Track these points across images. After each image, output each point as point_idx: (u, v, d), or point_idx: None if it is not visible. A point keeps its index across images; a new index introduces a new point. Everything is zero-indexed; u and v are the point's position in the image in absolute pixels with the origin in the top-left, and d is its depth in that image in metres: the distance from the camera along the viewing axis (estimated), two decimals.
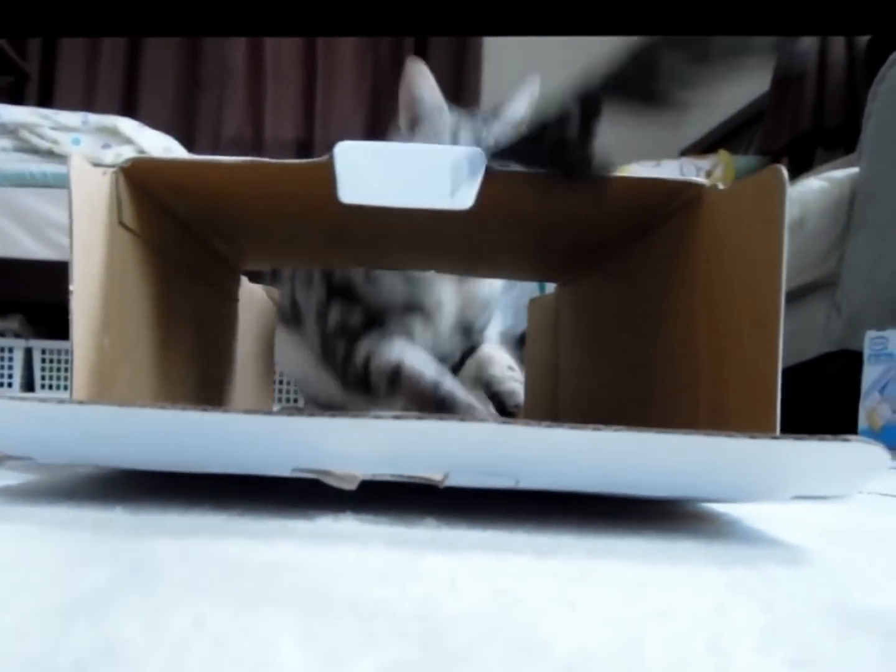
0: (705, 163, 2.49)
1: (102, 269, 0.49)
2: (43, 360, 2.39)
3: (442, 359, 0.99)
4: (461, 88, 3.31)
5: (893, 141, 1.34)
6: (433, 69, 0.94)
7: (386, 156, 0.51)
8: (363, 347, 0.95)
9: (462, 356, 1.05)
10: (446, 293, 0.96)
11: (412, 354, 0.92)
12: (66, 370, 2.43)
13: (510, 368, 1.04)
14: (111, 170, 0.51)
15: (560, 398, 0.89)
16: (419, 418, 0.36)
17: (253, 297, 0.93)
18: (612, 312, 0.76)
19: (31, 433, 0.38)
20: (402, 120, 0.93)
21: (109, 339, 0.50)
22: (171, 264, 0.63)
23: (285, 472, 0.39)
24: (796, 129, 2.24)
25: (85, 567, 0.30)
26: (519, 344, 1.13)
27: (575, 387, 0.85)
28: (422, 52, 3.32)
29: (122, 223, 0.52)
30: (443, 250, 0.80)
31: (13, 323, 2.50)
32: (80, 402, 0.38)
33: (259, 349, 0.96)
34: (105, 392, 0.49)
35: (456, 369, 1.05)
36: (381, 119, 3.32)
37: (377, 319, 0.96)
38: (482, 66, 3.38)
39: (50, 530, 0.36)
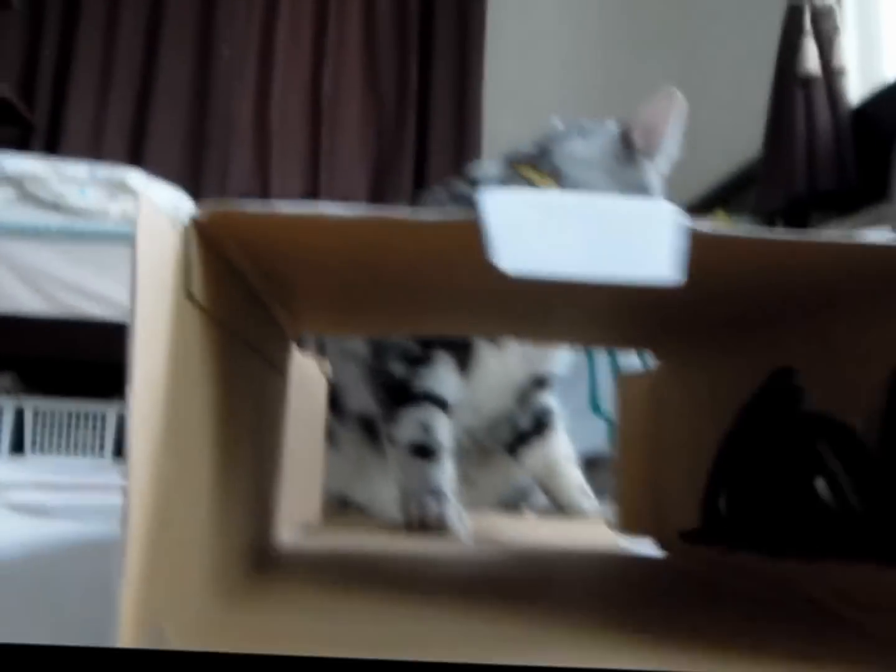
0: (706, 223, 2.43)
1: (166, 362, 0.34)
2: (35, 422, 2.22)
3: (496, 415, 0.85)
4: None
5: None
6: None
7: (555, 211, 0.36)
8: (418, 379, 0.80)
9: (530, 428, 0.90)
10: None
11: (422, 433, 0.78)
12: (59, 431, 2.26)
13: (582, 491, 0.90)
14: (180, 223, 0.36)
15: (664, 500, 0.73)
16: None
17: (302, 370, 0.77)
18: (730, 401, 0.61)
19: None
20: (640, 140, 0.86)
21: (168, 459, 0.34)
22: (234, 342, 0.47)
23: None
24: (789, 192, 2.21)
25: None
26: (588, 468, 0.98)
27: (683, 491, 0.69)
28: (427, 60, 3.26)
29: (190, 294, 0.37)
30: (519, 313, 0.65)
31: (5, 380, 2.33)
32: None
33: (309, 434, 0.80)
34: (161, 540, 0.33)
35: (518, 441, 0.90)
36: (386, 172, 3.24)
37: (429, 351, 0.81)
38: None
39: None
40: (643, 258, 0.35)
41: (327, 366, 0.84)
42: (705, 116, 3.11)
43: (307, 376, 0.78)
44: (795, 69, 2.24)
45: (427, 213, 0.37)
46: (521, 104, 3.32)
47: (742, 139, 2.57)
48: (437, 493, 0.77)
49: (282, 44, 3.27)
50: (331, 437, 0.88)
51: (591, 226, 0.36)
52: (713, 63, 3.12)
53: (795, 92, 2.23)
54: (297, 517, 0.76)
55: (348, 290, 0.59)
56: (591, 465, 1.08)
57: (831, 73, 2.20)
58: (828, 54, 2.21)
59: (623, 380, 0.82)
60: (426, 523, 0.75)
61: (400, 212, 0.37)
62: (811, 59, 2.23)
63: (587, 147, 0.88)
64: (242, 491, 0.54)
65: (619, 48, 3.35)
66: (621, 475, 0.81)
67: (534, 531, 0.88)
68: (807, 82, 2.22)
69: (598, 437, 1.34)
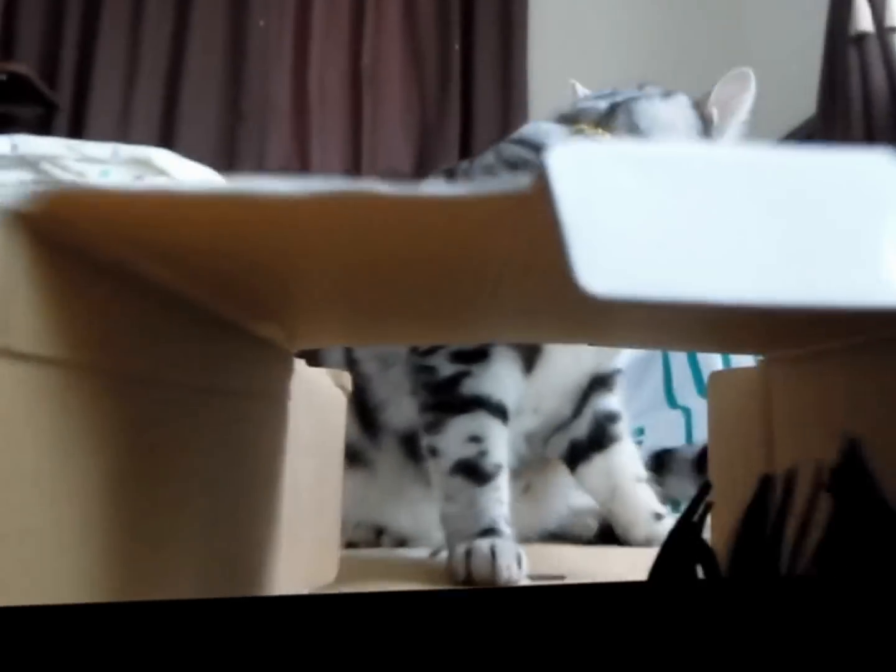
0: None
1: None
2: None
3: (555, 420, 0.70)
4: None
5: None
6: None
7: (685, 180, 0.18)
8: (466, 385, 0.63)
9: (590, 439, 0.73)
10: None
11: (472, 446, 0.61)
12: None
13: (656, 517, 0.72)
14: None
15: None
16: None
17: (311, 388, 0.59)
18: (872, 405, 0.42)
19: None
20: (716, 114, 0.78)
21: None
22: (155, 403, 0.29)
23: None
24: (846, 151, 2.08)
25: None
26: (697, 467, 0.80)
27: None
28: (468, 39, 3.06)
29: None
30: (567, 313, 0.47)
31: None
32: None
33: (321, 458, 0.62)
34: None
35: (576, 455, 0.73)
36: (431, 144, 3.02)
37: (485, 345, 0.63)
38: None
39: None
40: (850, 264, 0.17)
41: (348, 378, 0.65)
42: (758, 78, 2.85)
43: (318, 395, 0.60)
44: (847, 28, 2.18)
45: (459, 188, 0.19)
46: (568, 68, 3.08)
47: (796, 100, 2.39)
48: (488, 532, 0.59)
49: (319, 13, 3.03)
50: (361, 459, 0.70)
51: (749, 204, 0.18)
52: (765, 24, 2.89)
53: (849, 51, 2.17)
54: (308, 570, 0.58)
55: (356, 295, 0.41)
56: (665, 465, 0.90)
57: (884, 31, 2.13)
58: (880, 12, 2.14)
59: (717, 378, 0.62)
60: (473, 579, 0.57)
61: (408, 188, 0.19)
62: (863, 18, 2.15)
63: (669, 109, 0.75)
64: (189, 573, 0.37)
65: (668, 10, 3.11)
66: (717, 482, 0.62)
67: (604, 571, 0.69)
68: (859, 41, 2.15)
69: (674, 432, 1.14)
